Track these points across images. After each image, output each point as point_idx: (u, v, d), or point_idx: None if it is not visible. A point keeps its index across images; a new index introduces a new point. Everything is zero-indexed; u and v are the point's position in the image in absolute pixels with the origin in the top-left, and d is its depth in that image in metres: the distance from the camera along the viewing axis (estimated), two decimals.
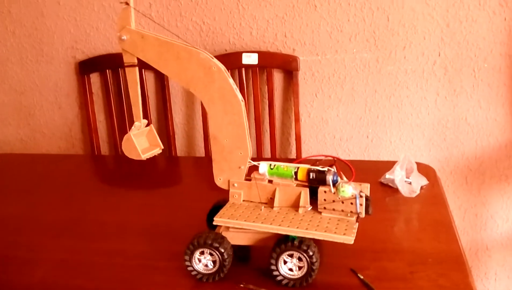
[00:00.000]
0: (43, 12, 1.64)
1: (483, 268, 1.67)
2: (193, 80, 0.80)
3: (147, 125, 0.88)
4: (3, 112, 1.79)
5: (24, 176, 1.35)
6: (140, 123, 0.85)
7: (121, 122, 1.68)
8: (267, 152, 1.62)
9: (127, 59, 0.81)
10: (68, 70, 1.70)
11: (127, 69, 0.81)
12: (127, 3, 0.77)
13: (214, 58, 0.78)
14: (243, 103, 0.80)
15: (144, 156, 0.84)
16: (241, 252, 0.84)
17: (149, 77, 1.64)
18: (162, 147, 0.88)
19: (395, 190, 1.09)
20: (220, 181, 0.84)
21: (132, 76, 0.82)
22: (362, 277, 0.79)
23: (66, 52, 1.68)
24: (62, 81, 1.72)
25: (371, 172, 1.14)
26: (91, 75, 1.67)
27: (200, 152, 1.69)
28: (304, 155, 1.60)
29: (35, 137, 1.81)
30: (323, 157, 0.85)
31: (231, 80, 0.78)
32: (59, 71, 1.71)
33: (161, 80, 1.62)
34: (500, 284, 1.68)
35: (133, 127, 0.84)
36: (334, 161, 0.82)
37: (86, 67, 1.66)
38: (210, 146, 0.83)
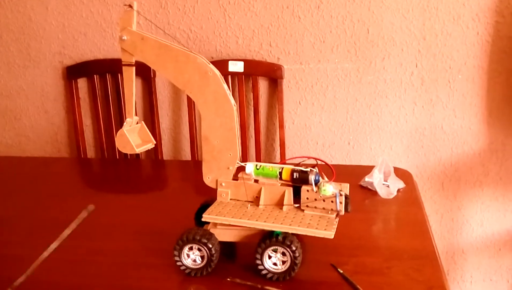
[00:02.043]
0: (31, 17, 1.66)
1: (460, 271, 1.72)
2: (189, 83, 0.83)
3: (138, 123, 0.91)
4: None
5: (12, 178, 1.35)
6: (132, 119, 0.88)
7: (107, 126, 1.70)
8: (252, 157, 1.66)
9: (125, 58, 0.84)
10: (55, 75, 1.72)
11: (124, 68, 0.85)
12: (130, 6, 0.81)
13: (210, 63, 0.82)
14: (235, 108, 0.84)
15: (138, 150, 0.87)
16: (227, 250, 0.88)
17: (137, 83, 1.66)
18: (155, 142, 0.91)
19: (374, 192, 1.14)
20: (208, 179, 0.87)
21: (129, 74, 0.85)
22: (341, 271, 0.83)
23: (54, 57, 1.69)
24: (49, 86, 1.73)
25: (351, 175, 1.19)
26: (78, 80, 1.69)
27: (186, 156, 1.72)
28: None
29: (20, 141, 1.81)
30: (306, 159, 0.90)
31: (225, 85, 0.82)
32: (46, 76, 1.72)
33: (148, 85, 1.64)
34: (475, 287, 1.73)
35: (125, 123, 0.87)
36: (316, 163, 0.87)
37: (73, 72, 1.68)
38: (201, 146, 0.87)
